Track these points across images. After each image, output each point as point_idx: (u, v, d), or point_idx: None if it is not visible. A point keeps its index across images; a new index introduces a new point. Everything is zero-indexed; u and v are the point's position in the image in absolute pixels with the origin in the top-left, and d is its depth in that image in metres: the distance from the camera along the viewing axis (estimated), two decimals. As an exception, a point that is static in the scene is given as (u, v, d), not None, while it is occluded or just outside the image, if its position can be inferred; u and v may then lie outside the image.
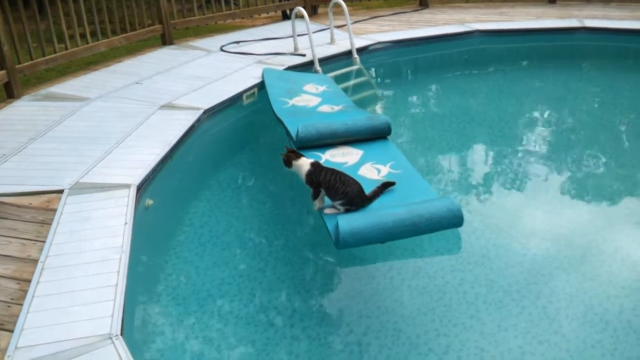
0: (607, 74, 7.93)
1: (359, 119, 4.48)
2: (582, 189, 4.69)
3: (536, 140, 5.65)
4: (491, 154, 5.37)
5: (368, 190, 3.48)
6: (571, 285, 3.42)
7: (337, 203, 3.34)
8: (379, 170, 3.94)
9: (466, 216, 4.18)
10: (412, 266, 3.68)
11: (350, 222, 3.14)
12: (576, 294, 3.35)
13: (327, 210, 3.39)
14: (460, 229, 3.85)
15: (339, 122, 4.42)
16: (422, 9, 10.52)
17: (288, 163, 3.46)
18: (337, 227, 3.12)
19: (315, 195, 3.41)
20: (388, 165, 4.00)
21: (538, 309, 3.22)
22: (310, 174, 3.37)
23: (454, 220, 3.31)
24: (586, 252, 3.79)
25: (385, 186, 3.53)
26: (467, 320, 3.15)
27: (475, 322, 3.14)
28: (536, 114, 6.45)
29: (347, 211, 3.32)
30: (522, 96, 6.96)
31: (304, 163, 3.42)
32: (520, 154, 5.30)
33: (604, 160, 5.19)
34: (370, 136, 4.42)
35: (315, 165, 3.39)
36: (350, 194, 3.30)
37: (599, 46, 8.50)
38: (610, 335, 3.03)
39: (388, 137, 4.49)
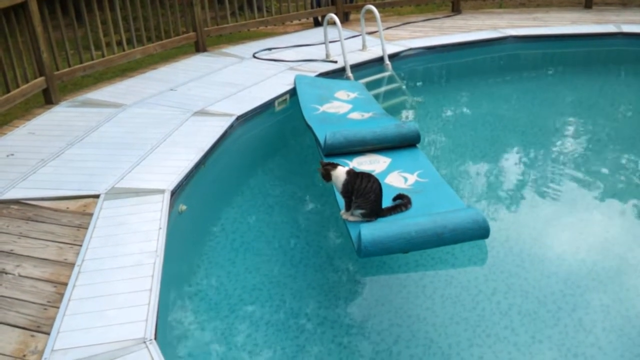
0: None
1: (388, 127, 4.44)
2: (618, 199, 4.58)
3: (571, 148, 5.54)
4: (525, 162, 5.29)
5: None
6: (608, 297, 3.35)
7: (357, 212, 3.30)
8: (405, 179, 3.90)
9: (500, 225, 4.15)
10: (444, 275, 3.64)
11: (372, 231, 3.10)
12: (613, 306, 3.27)
13: (349, 218, 3.37)
14: (494, 238, 3.80)
15: (368, 130, 4.39)
16: (454, 15, 10.44)
17: (327, 177, 3.36)
18: (359, 235, 3.08)
19: (348, 207, 3.35)
20: (415, 173, 3.96)
21: (574, 321, 3.16)
22: (347, 183, 3.28)
23: (480, 232, 3.21)
24: (623, 262, 3.70)
25: (402, 206, 3.45)
26: (501, 331, 3.10)
27: (509, 333, 3.09)
28: (571, 122, 6.34)
29: (367, 221, 3.29)
30: (557, 103, 6.84)
31: (340, 173, 3.32)
32: (555, 162, 5.21)
33: (642, 168, 5.08)
34: (399, 144, 4.37)
35: (351, 175, 3.31)
36: (371, 207, 3.27)
37: (637, 52, 8.32)
38: (649, 349, 2.95)
39: (417, 145, 4.45)
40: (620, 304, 3.29)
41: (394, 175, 3.96)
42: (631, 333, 3.06)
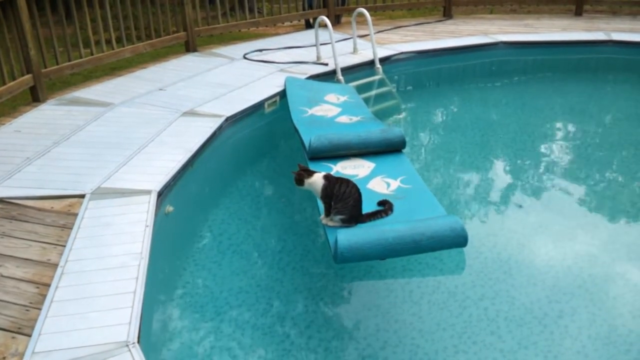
0: (635, 88, 7.79)
1: (373, 132, 4.40)
2: (606, 207, 4.60)
3: (560, 155, 5.56)
4: (513, 168, 5.30)
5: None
6: (594, 305, 3.35)
7: (337, 217, 3.28)
8: (388, 185, 3.87)
9: (487, 231, 4.15)
10: (432, 280, 3.63)
11: (349, 237, 3.06)
12: (599, 314, 3.27)
13: (329, 223, 3.33)
14: (482, 244, 3.80)
15: (353, 134, 4.37)
16: (445, 20, 10.48)
17: (299, 182, 3.35)
18: (335, 241, 3.05)
19: (328, 212, 3.33)
20: (398, 179, 3.93)
21: (560, 328, 3.16)
22: (325, 188, 3.27)
23: (457, 240, 3.17)
24: (610, 270, 3.71)
25: (382, 212, 3.42)
26: (487, 337, 3.09)
27: (495, 340, 3.08)
28: (560, 129, 6.36)
29: (346, 226, 3.26)
30: (546, 110, 6.86)
31: (317, 179, 3.32)
32: (543, 170, 5.22)
33: (630, 178, 5.09)
34: (385, 149, 4.33)
35: (330, 179, 3.31)
36: (350, 212, 3.25)
37: (626, 60, 8.38)
38: (634, 357, 2.95)
39: (403, 150, 4.41)
40: (607, 311, 3.30)
41: (377, 180, 3.94)
42: (617, 341, 3.06)
